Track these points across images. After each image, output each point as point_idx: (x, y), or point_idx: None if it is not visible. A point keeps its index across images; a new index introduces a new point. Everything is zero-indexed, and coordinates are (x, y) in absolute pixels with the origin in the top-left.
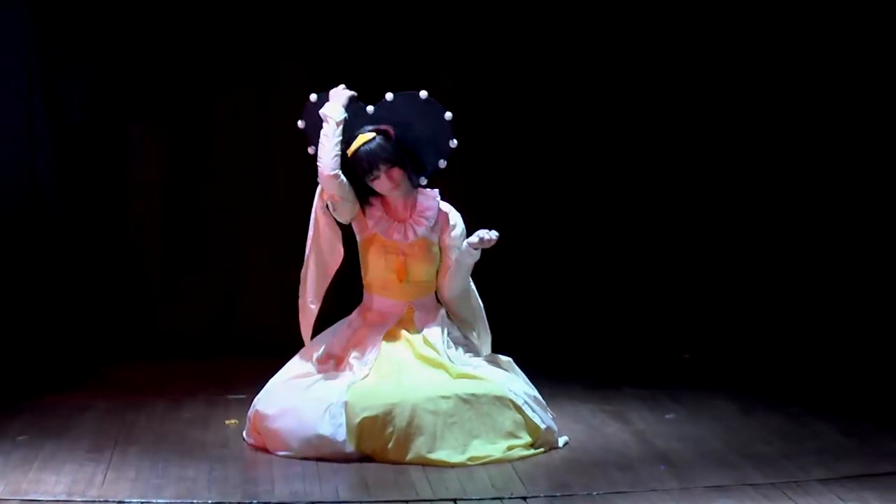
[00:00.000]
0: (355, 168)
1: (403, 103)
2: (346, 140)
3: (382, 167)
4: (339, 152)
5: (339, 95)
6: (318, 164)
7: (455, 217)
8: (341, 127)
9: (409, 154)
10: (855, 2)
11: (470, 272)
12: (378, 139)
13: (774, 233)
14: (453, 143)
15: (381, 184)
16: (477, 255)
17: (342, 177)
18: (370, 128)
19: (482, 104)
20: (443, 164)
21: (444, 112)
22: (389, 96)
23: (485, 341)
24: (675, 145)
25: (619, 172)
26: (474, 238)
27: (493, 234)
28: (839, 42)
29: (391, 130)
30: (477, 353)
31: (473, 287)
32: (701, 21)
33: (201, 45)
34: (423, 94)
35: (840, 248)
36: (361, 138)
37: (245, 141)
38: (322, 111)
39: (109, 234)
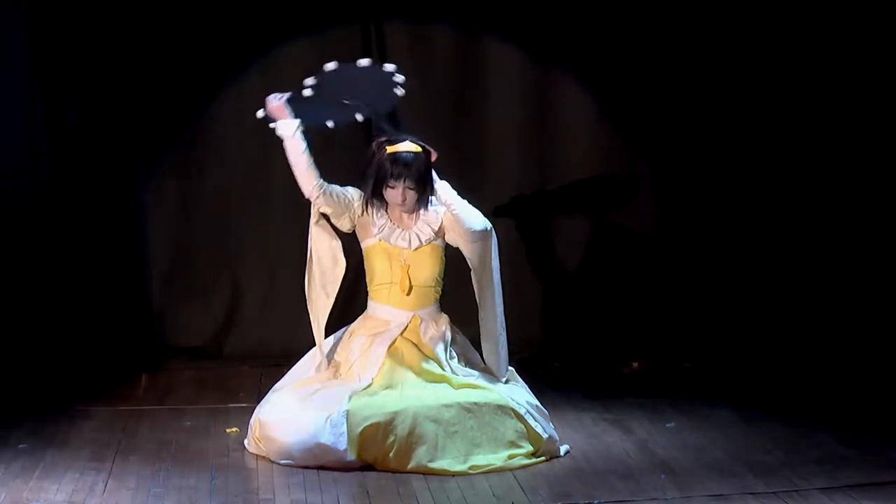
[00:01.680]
0: (377, 165)
1: (345, 72)
2: (387, 140)
3: (405, 182)
4: (311, 161)
5: (278, 107)
6: (300, 185)
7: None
8: (300, 132)
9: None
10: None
11: (476, 232)
12: (422, 157)
13: (775, 244)
14: (399, 91)
15: (393, 194)
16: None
17: (325, 186)
18: (422, 142)
19: (456, 116)
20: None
21: (384, 65)
22: (330, 66)
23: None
24: (675, 153)
25: (620, 180)
26: None
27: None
28: (826, 49)
29: (433, 153)
30: (479, 363)
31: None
32: (694, 27)
33: (201, 53)
34: (364, 62)
35: (840, 260)
36: (408, 145)
37: (247, 147)
38: (277, 132)
39: (111, 243)
